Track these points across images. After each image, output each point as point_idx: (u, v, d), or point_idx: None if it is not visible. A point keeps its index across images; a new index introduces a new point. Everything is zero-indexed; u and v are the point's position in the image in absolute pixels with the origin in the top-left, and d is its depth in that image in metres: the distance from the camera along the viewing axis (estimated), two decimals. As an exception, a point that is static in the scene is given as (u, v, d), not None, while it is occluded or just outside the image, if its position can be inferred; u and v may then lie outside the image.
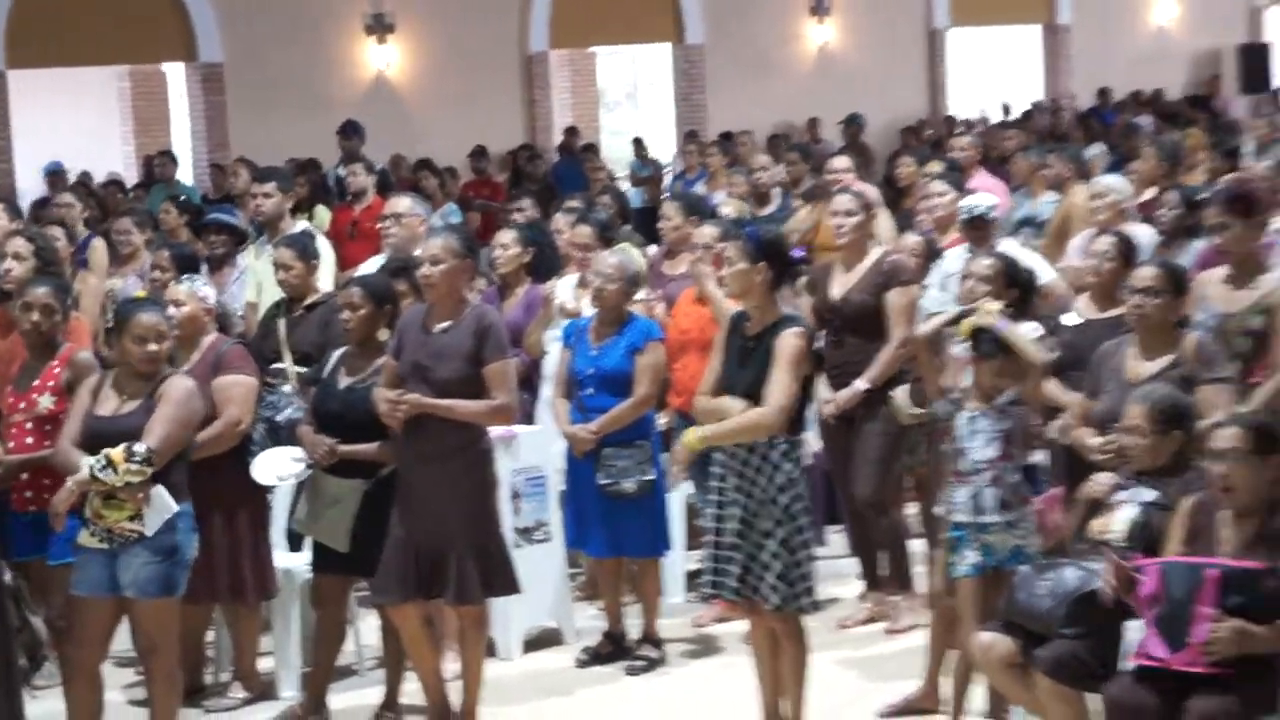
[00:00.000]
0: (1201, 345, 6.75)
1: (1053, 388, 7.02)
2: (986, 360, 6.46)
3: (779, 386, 6.35)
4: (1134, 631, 5.58)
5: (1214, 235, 7.87)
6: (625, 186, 16.36)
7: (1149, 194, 10.44)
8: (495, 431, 7.24)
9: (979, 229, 8.64)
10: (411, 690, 7.24)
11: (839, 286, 8.18)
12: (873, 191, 10.00)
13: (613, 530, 7.90)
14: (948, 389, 6.61)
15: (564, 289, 8.88)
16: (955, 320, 6.74)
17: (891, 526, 8.23)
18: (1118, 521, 6.05)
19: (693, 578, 8.14)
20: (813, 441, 8.56)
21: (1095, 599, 5.78)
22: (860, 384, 7.96)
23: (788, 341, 6.39)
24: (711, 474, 6.54)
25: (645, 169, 17.92)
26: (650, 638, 8.02)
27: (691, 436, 6.53)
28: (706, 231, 8.52)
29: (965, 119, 22.51)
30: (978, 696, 6.59)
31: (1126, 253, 7.45)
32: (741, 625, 7.07)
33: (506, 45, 20.83)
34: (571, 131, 21.42)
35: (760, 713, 6.68)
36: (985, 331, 6.49)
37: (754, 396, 6.39)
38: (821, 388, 7.97)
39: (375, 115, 18.60)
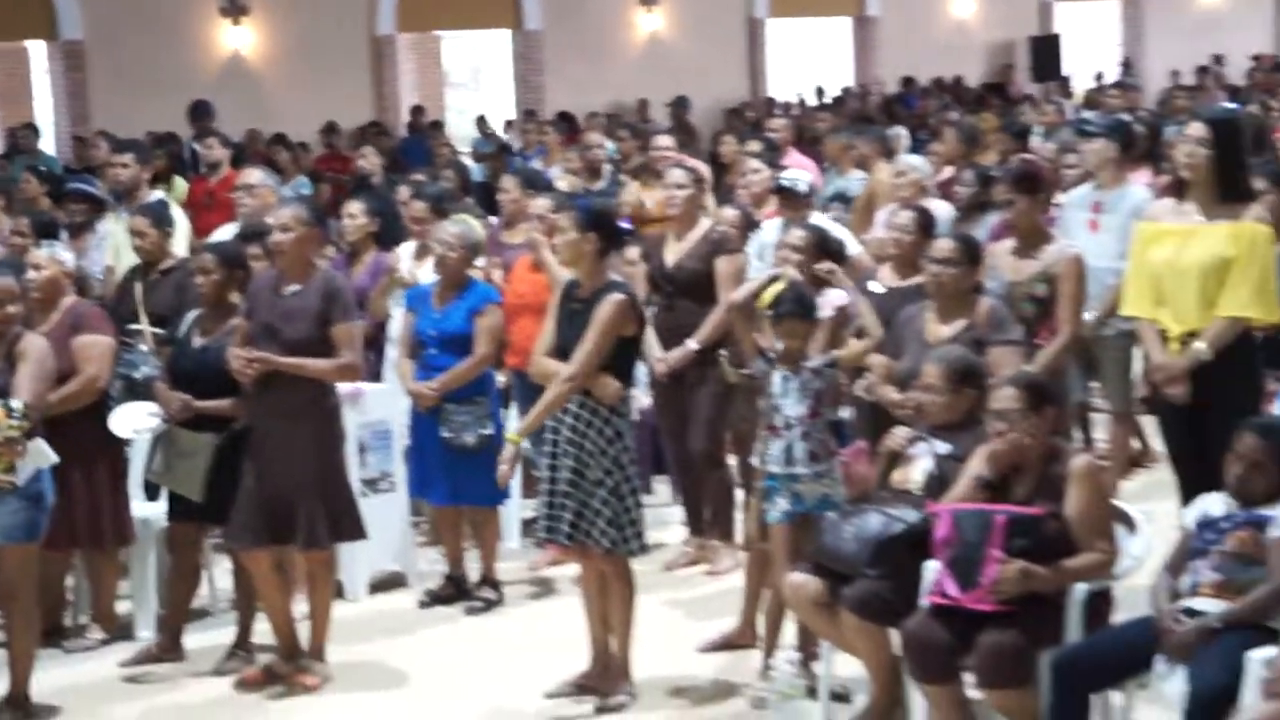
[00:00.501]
0: (993, 310, 6.83)
1: (858, 347, 7.09)
2: (783, 321, 6.49)
3: (584, 349, 6.36)
4: (931, 572, 5.66)
5: (1003, 210, 7.99)
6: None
7: (948, 173, 10.57)
8: (342, 388, 7.18)
9: (793, 203, 8.69)
10: (262, 630, 7.17)
11: (672, 255, 8.19)
12: (704, 167, 10.01)
13: (454, 481, 7.88)
14: (763, 350, 6.65)
15: (403, 257, 8.87)
16: (764, 287, 6.75)
17: (721, 478, 8.27)
18: (916, 472, 6.13)
19: (529, 524, 8.13)
20: (641, 398, 8.60)
21: (896, 542, 5.84)
22: (691, 344, 7.97)
23: (604, 307, 6.39)
24: (546, 427, 6.53)
25: (487, 145, 17.84)
26: (489, 580, 8.01)
27: (513, 435, 6.54)
28: (541, 203, 8.56)
29: (783, 102, 22.67)
30: (789, 632, 6.64)
31: (925, 226, 7.52)
32: (574, 568, 7.07)
33: (355, 28, 20.64)
34: (418, 110, 21.27)
35: (590, 648, 6.70)
36: (784, 295, 6.54)
37: (587, 355, 6.43)
38: (655, 348, 8.00)
39: (231, 93, 18.34)
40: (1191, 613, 5.27)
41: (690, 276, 8.06)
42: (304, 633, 7.04)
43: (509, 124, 20.87)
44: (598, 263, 6.53)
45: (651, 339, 8.02)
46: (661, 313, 8.09)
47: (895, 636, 5.79)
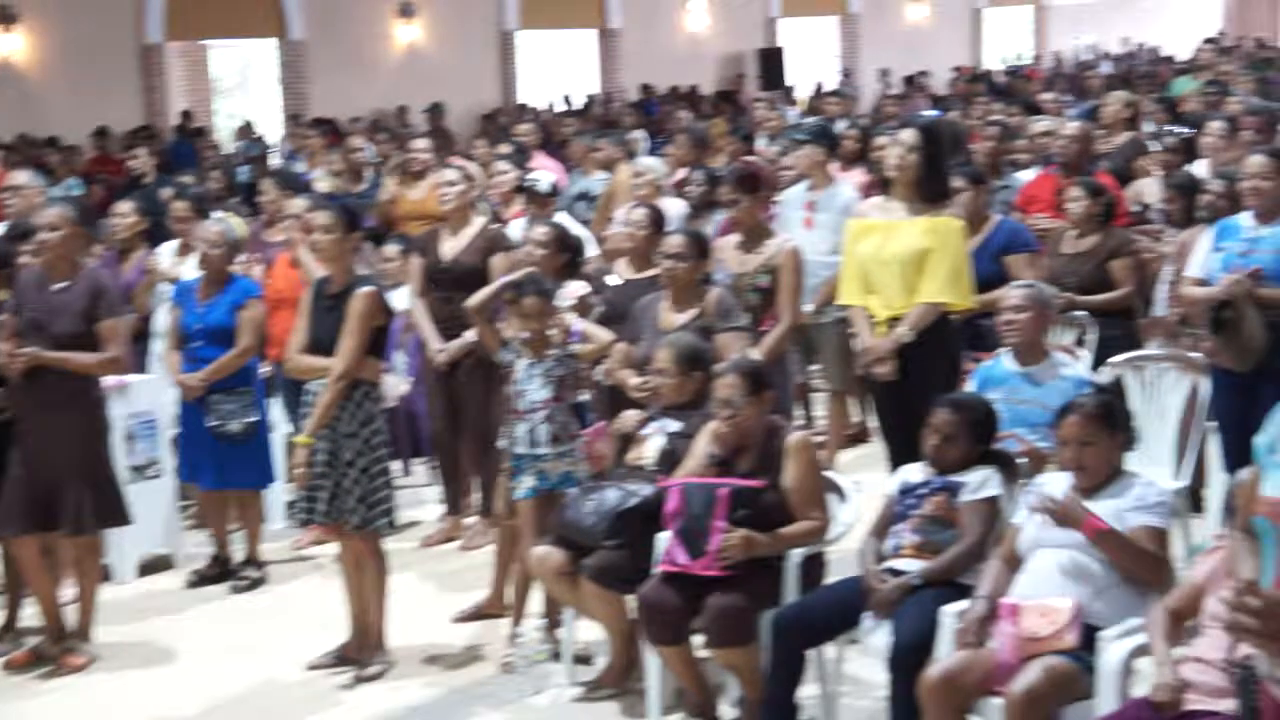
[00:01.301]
0: (721, 299, 6.90)
1: (593, 330, 7.10)
2: (522, 304, 6.45)
3: (346, 344, 6.29)
4: (662, 542, 5.70)
5: (729, 208, 8.07)
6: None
7: (681, 173, 10.66)
8: (108, 380, 6.97)
9: (537, 201, 8.67)
10: (30, 614, 6.92)
11: (448, 250, 8.08)
12: (473, 167, 9.92)
13: (220, 466, 7.72)
14: (507, 341, 6.62)
15: (165, 255, 8.66)
16: (510, 287, 6.70)
17: (494, 458, 8.20)
18: (649, 449, 6.16)
19: (291, 506, 7.97)
20: (399, 384, 8.51)
21: (631, 515, 5.87)
22: (469, 335, 7.86)
23: (357, 301, 6.32)
24: (302, 415, 6.43)
25: (253, 149, 17.49)
26: (253, 560, 7.85)
27: (301, 438, 6.39)
28: (298, 204, 8.43)
29: (533, 108, 22.64)
30: (536, 601, 6.63)
31: (658, 222, 7.57)
32: (334, 546, 6.96)
33: (124, 36, 20.04)
34: (186, 115, 20.76)
35: (349, 621, 6.60)
36: (525, 282, 6.52)
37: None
38: (433, 339, 7.91)
39: (2, 98, 17.64)
40: (894, 572, 5.37)
41: (466, 270, 7.95)
42: (72, 615, 6.81)
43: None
44: (348, 259, 6.47)
45: (429, 330, 7.95)
46: (438, 305, 7.99)
47: (632, 602, 5.81)
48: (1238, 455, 6.06)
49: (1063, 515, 4.93)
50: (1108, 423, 5.11)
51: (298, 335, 6.53)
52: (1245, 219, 6.70)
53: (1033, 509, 5.03)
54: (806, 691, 5.52)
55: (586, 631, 6.32)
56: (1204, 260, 6.74)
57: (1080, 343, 7.80)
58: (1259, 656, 3.51)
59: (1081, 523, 4.90)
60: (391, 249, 8.99)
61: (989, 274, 7.31)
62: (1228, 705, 4.19)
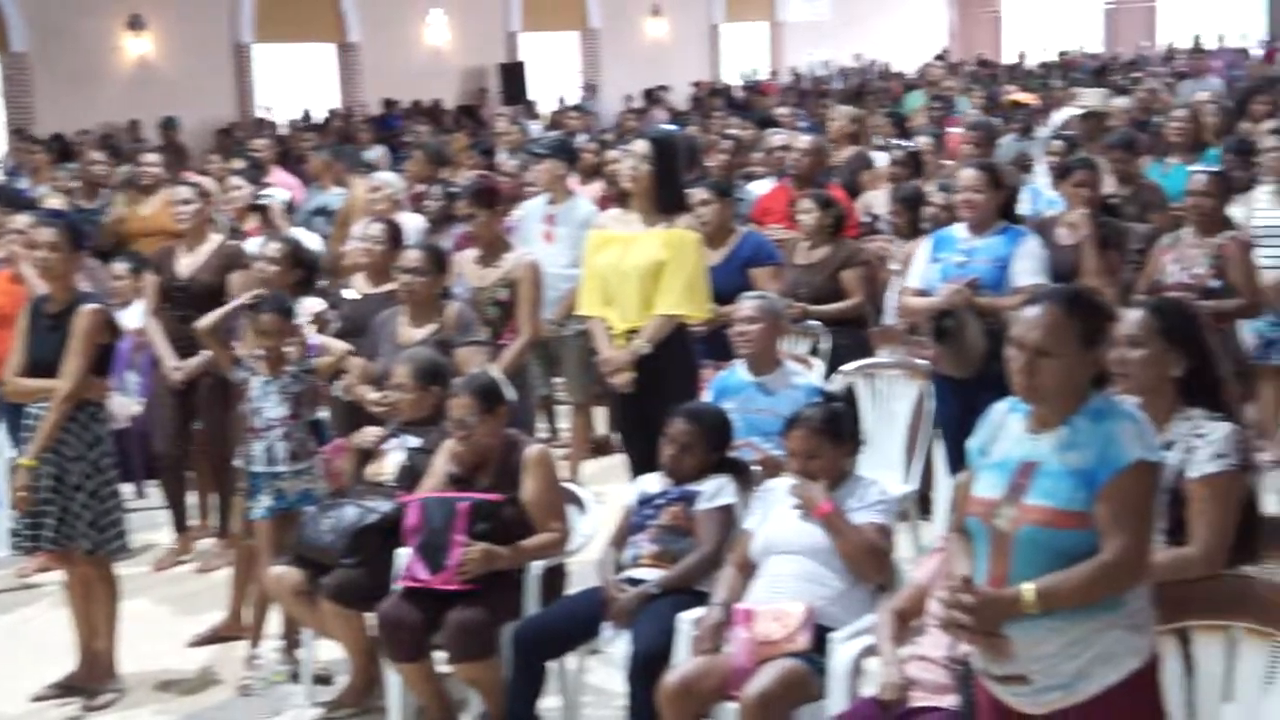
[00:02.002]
0: (460, 314, 6.88)
1: (330, 342, 7.04)
2: (261, 321, 6.36)
3: (71, 364, 6.11)
4: (402, 558, 5.65)
5: (467, 222, 8.06)
6: None
7: (420, 188, 10.61)
8: None
9: (269, 217, 8.54)
10: None
11: (184, 267, 7.89)
12: (210, 183, 9.69)
13: (-61, 494, 7.41)
14: (240, 358, 6.50)
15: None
16: (249, 307, 6.57)
17: (231, 477, 8.02)
18: (388, 465, 6.11)
19: (15, 533, 7.67)
20: (127, 404, 8.29)
21: (370, 531, 5.81)
22: (207, 353, 7.64)
23: (82, 319, 6.14)
24: (24, 437, 6.21)
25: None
26: (-22, 590, 7.57)
27: (25, 460, 6.16)
28: (21, 220, 8.14)
29: (271, 122, 22.28)
30: (275, 622, 6.52)
31: (395, 237, 7.52)
32: (61, 573, 6.73)
33: None
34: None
35: (77, 650, 6.40)
36: (263, 300, 6.42)
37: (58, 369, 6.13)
38: (169, 357, 7.75)
39: None
40: (633, 582, 5.43)
41: (204, 288, 7.76)
42: None
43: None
44: (71, 276, 6.28)
45: (164, 348, 7.75)
46: (174, 323, 7.80)
47: (371, 620, 5.74)
48: (959, 459, 6.28)
49: (802, 497, 5.04)
50: (832, 434, 5.25)
51: (15, 356, 6.31)
52: (960, 230, 6.94)
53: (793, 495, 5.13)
54: (548, 703, 5.54)
55: (326, 651, 6.24)
56: (922, 271, 6.96)
57: (814, 352, 7.98)
58: (974, 652, 3.64)
59: (817, 504, 5.01)
60: (120, 266, 8.76)
61: (735, 286, 7.42)
62: (950, 701, 4.33)
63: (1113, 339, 4.09)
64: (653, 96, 25.34)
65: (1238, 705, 3.98)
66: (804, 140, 9.84)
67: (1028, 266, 6.69)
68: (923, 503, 7.39)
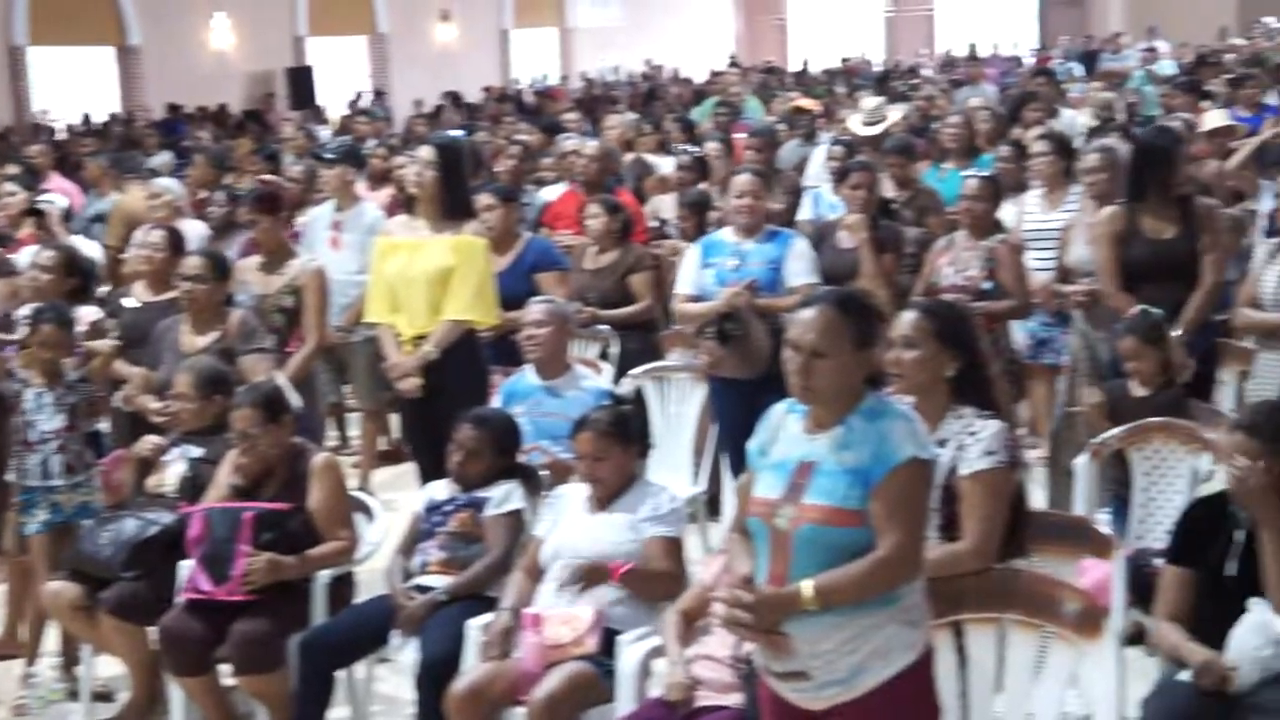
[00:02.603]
0: (243, 321, 6.77)
1: (118, 364, 6.89)
2: (39, 332, 6.18)
3: None
4: (185, 570, 5.53)
5: (250, 229, 7.94)
6: None
7: (204, 194, 10.41)
8: None
9: (46, 224, 8.31)
10: None
11: None
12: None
13: None
14: (12, 371, 6.31)
15: None
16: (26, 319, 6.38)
17: (3, 492, 7.76)
18: (170, 476, 5.98)
19: None
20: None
21: (151, 544, 5.68)
22: None
23: None
24: None
25: None
26: None
27: None
28: None
29: (48, 126, 21.67)
30: (52, 639, 6.34)
31: (175, 244, 7.37)
32: None
33: None
34: None
35: None
36: (41, 311, 6.25)
37: None
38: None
39: None
40: (422, 589, 5.39)
41: None
42: None
43: None
44: None
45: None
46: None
47: (153, 634, 5.62)
48: (742, 461, 6.36)
49: (587, 577, 5.04)
50: (619, 436, 5.28)
51: None
52: (728, 234, 7.06)
53: (561, 583, 5.10)
54: (336, 713, 5.48)
55: (106, 667, 6.08)
56: (693, 276, 7.06)
57: (603, 356, 8.02)
58: (757, 650, 3.70)
59: (608, 578, 5.03)
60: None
61: (521, 291, 7.41)
62: (736, 699, 4.39)
63: (887, 340, 4.20)
64: (457, 100, 25.22)
65: (1008, 695, 4.11)
66: (591, 146, 9.89)
67: (801, 267, 6.87)
68: (712, 504, 7.47)
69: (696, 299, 7.00)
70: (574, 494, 5.32)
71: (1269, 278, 6.57)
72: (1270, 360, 6.52)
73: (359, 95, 26.78)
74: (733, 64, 25.69)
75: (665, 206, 9.96)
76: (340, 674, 5.48)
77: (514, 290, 7.36)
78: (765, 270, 6.86)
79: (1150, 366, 6.13)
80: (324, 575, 5.57)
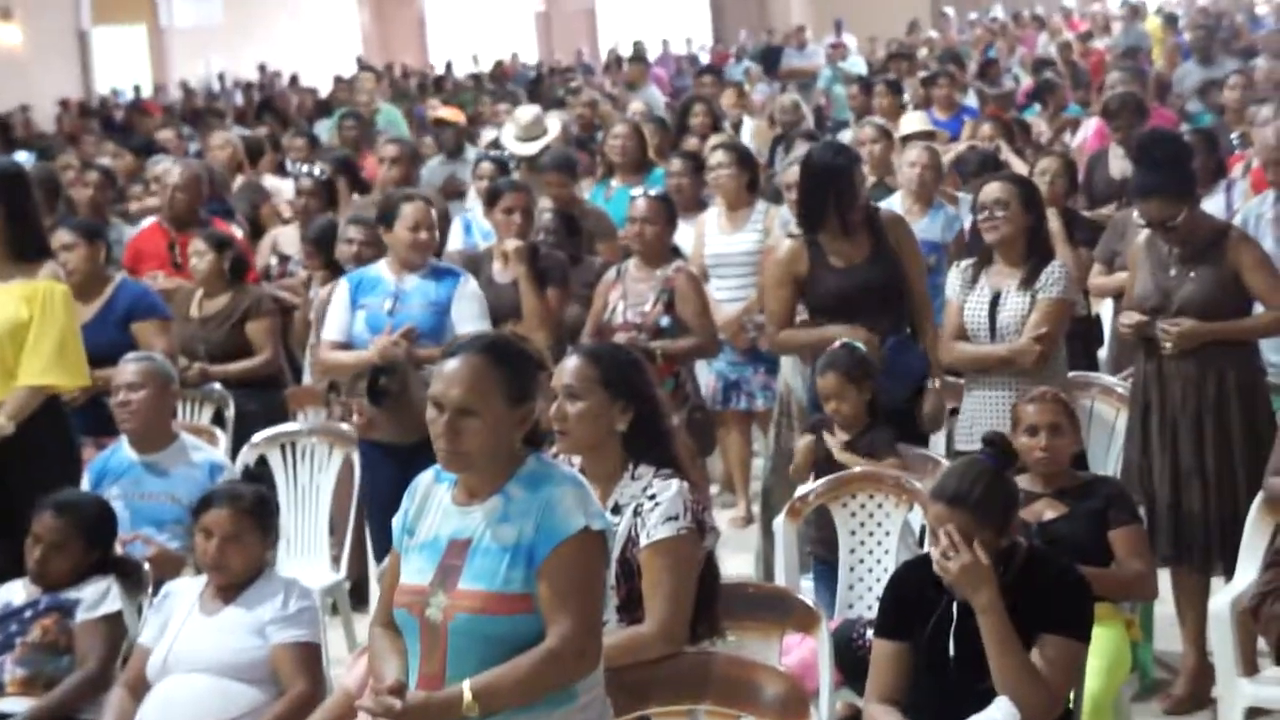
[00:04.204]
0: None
1: None
2: None
3: None
4: None
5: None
6: None
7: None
8: None
9: None
10: None
11: None
12: None
13: None
14: None
15: None
16: None
17: None
18: None
19: None
20: None
21: None
22: None
23: None
24: None
25: None
26: None
27: None
28: None
29: None
30: None
31: None
32: None
33: None
34: None
35: None
36: None
37: None
38: None
39: None
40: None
41: None
42: None
43: None
44: None
45: None
46: None
47: None
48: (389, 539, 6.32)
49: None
50: (258, 518, 5.21)
51: None
52: (384, 270, 7.01)
53: None
54: None
55: None
56: (342, 319, 6.99)
57: (218, 420, 7.88)
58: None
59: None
60: None
61: (115, 345, 7.19)
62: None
63: (548, 391, 4.22)
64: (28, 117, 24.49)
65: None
66: (176, 171, 9.48)
67: (471, 310, 6.88)
68: (357, 591, 7.39)
69: (345, 346, 6.93)
70: (185, 590, 5.21)
71: (973, 305, 6.67)
72: (986, 397, 6.61)
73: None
74: (362, 68, 25.61)
75: (286, 239, 9.84)
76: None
77: (106, 344, 7.16)
78: (427, 313, 6.85)
79: (852, 408, 6.17)
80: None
